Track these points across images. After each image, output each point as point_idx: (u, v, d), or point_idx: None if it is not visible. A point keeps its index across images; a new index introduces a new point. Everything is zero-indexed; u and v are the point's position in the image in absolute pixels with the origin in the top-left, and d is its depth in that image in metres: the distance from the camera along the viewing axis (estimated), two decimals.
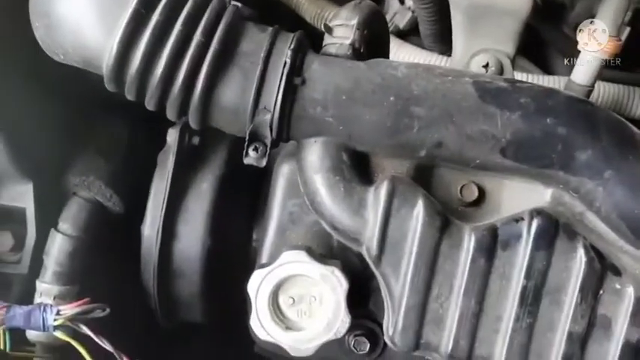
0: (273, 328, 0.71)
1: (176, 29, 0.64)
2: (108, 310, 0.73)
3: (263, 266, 0.72)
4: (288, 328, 0.72)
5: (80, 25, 0.65)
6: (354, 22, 0.70)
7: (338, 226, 0.68)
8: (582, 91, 0.87)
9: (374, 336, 0.76)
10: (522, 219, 0.66)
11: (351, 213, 0.67)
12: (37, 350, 0.80)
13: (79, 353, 0.72)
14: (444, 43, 1.11)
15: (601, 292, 0.65)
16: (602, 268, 0.65)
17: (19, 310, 0.73)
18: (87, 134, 0.87)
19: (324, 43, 0.71)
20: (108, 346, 0.72)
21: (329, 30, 0.71)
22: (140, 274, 0.84)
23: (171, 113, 0.68)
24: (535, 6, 0.86)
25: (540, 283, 0.65)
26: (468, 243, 0.66)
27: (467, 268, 0.66)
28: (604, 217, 0.65)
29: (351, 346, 0.76)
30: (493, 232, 0.66)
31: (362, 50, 0.70)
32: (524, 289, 0.65)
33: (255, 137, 0.67)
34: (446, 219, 0.66)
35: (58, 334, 0.73)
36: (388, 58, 0.81)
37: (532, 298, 0.65)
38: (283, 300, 0.72)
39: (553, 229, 0.65)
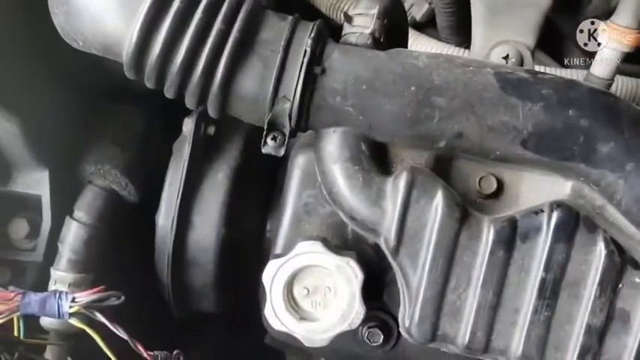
0: (287, 318, 0.71)
1: (197, 17, 0.64)
2: (123, 298, 0.73)
3: (278, 257, 0.72)
4: (302, 318, 0.72)
5: (100, 12, 0.65)
6: (375, 11, 0.70)
7: (356, 217, 0.68)
8: (602, 85, 0.87)
9: (387, 328, 0.76)
10: (542, 211, 0.65)
11: (370, 203, 0.67)
12: (50, 338, 0.80)
13: (93, 341, 0.72)
14: (460, 35, 1.10)
15: (620, 285, 0.65)
16: (621, 262, 0.65)
17: (35, 297, 0.73)
18: (103, 123, 0.87)
19: (343, 33, 0.71)
20: (123, 334, 0.72)
21: (349, 19, 0.71)
22: (154, 263, 0.84)
23: (190, 101, 0.67)
24: None
25: (559, 276, 0.65)
26: (487, 235, 0.65)
27: (485, 260, 0.65)
28: (624, 210, 0.65)
29: (365, 337, 0.76)
30: (512, 224, 0.65)
31: (382, 40, 0.69)
32: (543, 281, 0.65)
33: (273, 126, 0.67)
34: (465, 210, 0.65)
35: (73, 321, 0.73)
36: (407, 48, 0.80)
37: (551, 291, 0.65)
38: (298, 290, 0.71)
39: (573, 222, 0.65)
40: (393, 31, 0.72)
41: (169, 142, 0.85)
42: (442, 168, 0.69)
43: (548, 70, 1.06)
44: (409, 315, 0.68)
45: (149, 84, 0.67)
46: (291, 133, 0.67)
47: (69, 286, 0.80)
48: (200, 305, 0.89)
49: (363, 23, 0.70)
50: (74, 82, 0.82)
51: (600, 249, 0.64)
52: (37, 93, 0.79)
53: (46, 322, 0.79)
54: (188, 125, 0.83)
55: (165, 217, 0.82)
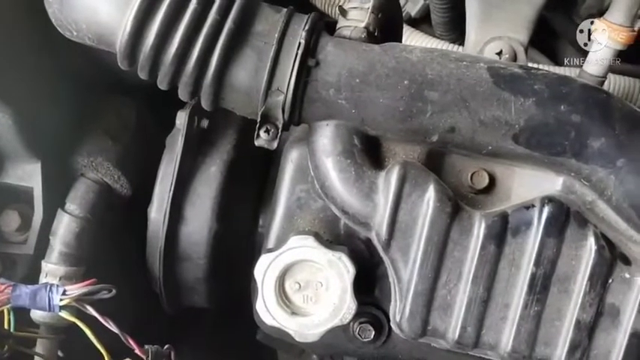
0: (279, 313, 0.71)
1: (191, 7, 0.64)
2: (114, 291, 0.73)
3: (270, 251, 0.72)
4: (293, 313, 0.71)
5: (94, 2, 0.65)
6: (369, 5, 0.70)
7: (348, 210, 0.68)
8: (594, 82, 0.87)
9: (379, 323, 0.76)
10: (533, 206, 0.66)
11: (362, 197, 0.67)
12: (40, 331, 0.79)
13: (84, 335, 0.72)
14: (455, 31, 1.10)
15: (610, 281, 0.65)
16: (611, 257, 0.65)
17: (25, 290, 0.72)
18: (96, 115, 0.86)
19: (338, 26, 0.71)
20: (114, 328, 0.72)
21: (343, 12, 0.71)
22: (146, 257, 0.84)
23: (183, 93, 0.67)
24: None
25: (550, 271, 0.65)
26: (478, 229, 0.65)
27: (476, 255, 0.66)
28: (615, 205, 0.65)
29: (356, 333, 0.76)
30: (504, 218, 0.66)
31: (376, 34, 0.70)
32: (534, 276, 0.65)
33: (267, 119, 0.67)
34: (457, 205, 0.66)
35: (64, 314, 0.73)
36: (401, 42, 0.80)
37: (541, 286, 0.65)
38: (290, 285, 0.71)
39: (564, 217, 0.65)
40: (387, 25, 0.72)
41: (163, 136, 0.85)
42: (434, 162, 0.69)
43: (541, 67, 1.06)
44: (400, 309, 0.68)
45: (143, 74, 0.67)
46: (284, 126, 0.67)
47: (60, 279, 0.79)
48: (192, 300, 0.88)
49: (357, 17, 0.70)
50: (67, 74, 0.82)
51: (590, 244, 0.65)
52: (30, 85, 0.79)
53: (36, 315, 0.78)
54: (181, 118, 0.82)
55: (158, 211, 0.82)
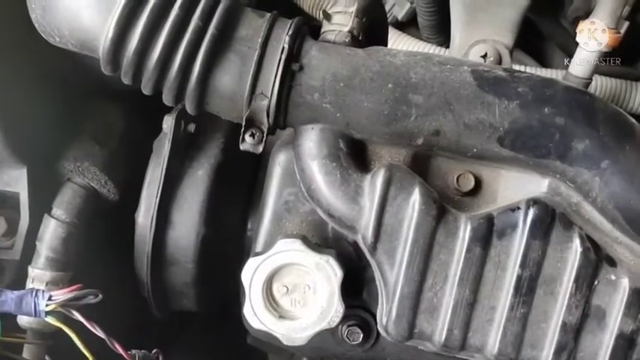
0: (266, 316, 0.71)
1: (173, 12, 0.64)
2: (100, 296, 0.73)
3: (258, 254, 0.71)
4: (281, 316, 0.71)
5: (77, 7, 0.65)
6: (353, 9, 0.70)
7: (334, 214, 0.68)
8: (580, 84, 0.87)
9: (367, 326, 0.76)
10: (519, 208, 0.66)
11: (347, 200, 0.67)
12: (27, 336, 0.79)
13: (71, 340, 0.72)
14: (441, 34, 1.11)
15: (596, 282, 0.65)
16: (597, 259, 0.65)
17: (11, 295, 0.72)
18: (82, 120, 0.86)
19: (322, 30, 0.71)
20: (100, 333, 0.72)
21: (327, 17, 0.71)
22: (133, 261, 0.83)
23: (167, 98, 0.67)
24: None
25: (535, 273, 0.65)
26: (464, 232, 0.65)
27: (462, 257, 0.66)
28: (600, 207, 0.65)
29: (344, 336, 0.76)
30: (489, 221, 0.66)
31: (360, 38, 0.70)
32: (519, 278, 0.65)
33: (251, 123, 0.66)
34: (442, 207, 0.66)
35: (50, 319, 0.72)
36: (387, 46, 0.80)
37: (527, 288, 0.65)
38: (277, 288, 0.71)
39: (549, 219, 0.65)
40: (371, 28, 0.72)
41: (150, 140, 0.85)
42: (420, 165, 0.69)
43: (528, 69, 1.06)
44: (386, 312, 0.68)
45: (126, 80, 0.66)
46: (269, 130, 0.67)
47: (46, 284, 0.79)
48: (180, 304, 0.88)
49: (341, 21, 0.70)
50: (53, 78, 0.82)
51: (576, 246, 0.65)
52: (15, 90, 0.78)
53: (23, 320, 0.78)
54: (168, 122, 0.82)
55: (145, 216, 0.82)
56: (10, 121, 0.77)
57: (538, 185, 0.68)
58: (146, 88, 0.67)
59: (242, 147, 0.67)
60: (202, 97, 0.66)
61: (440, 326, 0.67)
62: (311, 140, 0.67)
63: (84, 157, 0.83)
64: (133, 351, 0.74)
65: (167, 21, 0.64)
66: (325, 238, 0.74)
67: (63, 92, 0.84)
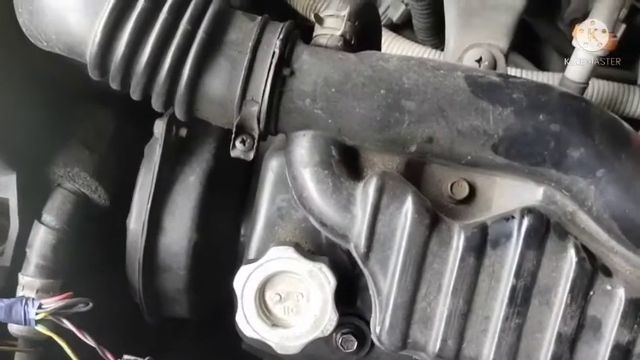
0: (259, 325, 0.70)
1: (162, 16, 0.63)
2: (91, 304, 0.72)
3: (250, 262, 0.71)
4: (274, 325, 0.71)
5: (64, 11, 0.64)
6: (345, 13, 0.69)
7: (326, 222, 0.67)
8: (576, 89, 0.87)
9: (361, 334, 0.75)
10: (513, 217, 0.65)
11: (340, 209, 0.66)
12: (19, 344, 0.78)
13: (62, 348, 0.71)
14: (437, 36, 1.10)
15: (591, 293, 0.64)
16: (592, 269, 0.64)
17: (0, 304, 0.71)
18: (72, 125, 0.85)
19: (314, 34, 0.70)
20: (90, 341, 0.71)
21: (319, 20, 0.70)
22: (125, 268, 0.83)
23: (156, 103, 0.66)
24: (530, 0, 0.85)
25: (530, 283, 0.64)
26: (458, 241, 0.65)
27: (456, 267, 0.65)
28: (595, 216, 0.64)
29: (339, 344, 0.75)
30: (483, 230, 0.65)
31: (353, 42, 0.69)
32: (514, 288, 0.64)
33: (242, 129, 0.65)
34: (435, 216, 0.65)
35: (40, 328, 0.72)
36: (380, 50, 0.79)
37: (521, 298, 0.65)
38: (270, 296, 0.70)
39: (544, 229, 0.64)
40: (364, 32, 0.71)
41: (141, 145, 0.84)
42: (414, 173, 0.68)
43: (524, 73, 1.05)
44: (380, 322, 0.67)
45: (114, 85, 0.65)
46: (260, 137, 0.66)
47: (37, 292, 0.78)
48: (173, 311, 0.87)
49: (333, 25, 0.69)
50: (42, 83, 0.81)
51: (571, 256, 0.64)
52: (4, 94, 0.78)
53: (14, 328, 0.77)
54: (159, 127, 0.81)
55: (136, 222, 0.81)
56: None
57: (533, 193, 0.67)
58: (135, 94, 0.66)
59: (233, 154, 0.66)
60: (192, 103, 0.65)
61: (434, 336, 0.66)
62: (302, 147, 0.66)
63: (74, 163, 0.82)
64: (125, 357, 0.73)
65: (155, 25, 0.63)
66: (319, 245, 0.74)
67: (52, 97, 0.83)
